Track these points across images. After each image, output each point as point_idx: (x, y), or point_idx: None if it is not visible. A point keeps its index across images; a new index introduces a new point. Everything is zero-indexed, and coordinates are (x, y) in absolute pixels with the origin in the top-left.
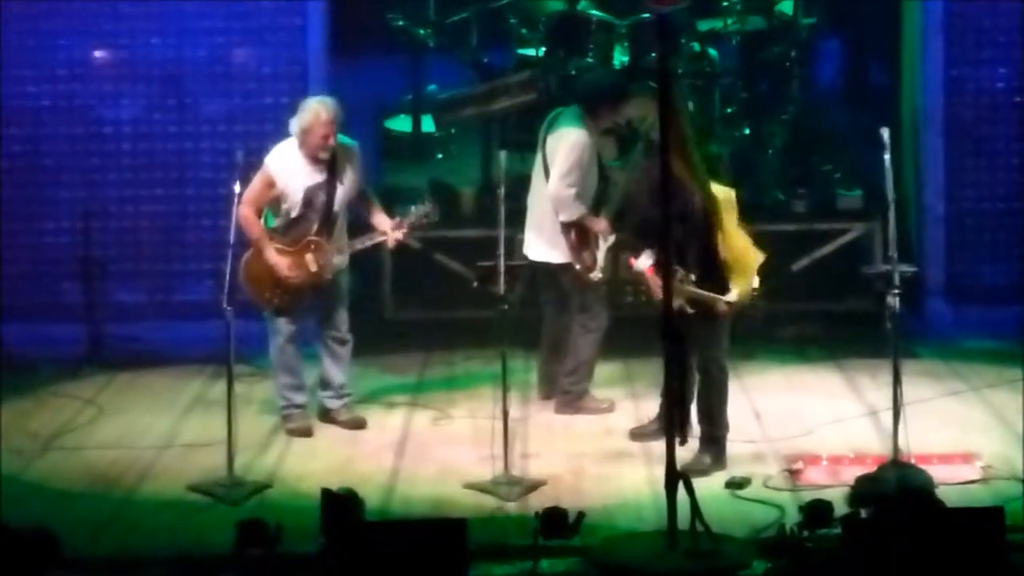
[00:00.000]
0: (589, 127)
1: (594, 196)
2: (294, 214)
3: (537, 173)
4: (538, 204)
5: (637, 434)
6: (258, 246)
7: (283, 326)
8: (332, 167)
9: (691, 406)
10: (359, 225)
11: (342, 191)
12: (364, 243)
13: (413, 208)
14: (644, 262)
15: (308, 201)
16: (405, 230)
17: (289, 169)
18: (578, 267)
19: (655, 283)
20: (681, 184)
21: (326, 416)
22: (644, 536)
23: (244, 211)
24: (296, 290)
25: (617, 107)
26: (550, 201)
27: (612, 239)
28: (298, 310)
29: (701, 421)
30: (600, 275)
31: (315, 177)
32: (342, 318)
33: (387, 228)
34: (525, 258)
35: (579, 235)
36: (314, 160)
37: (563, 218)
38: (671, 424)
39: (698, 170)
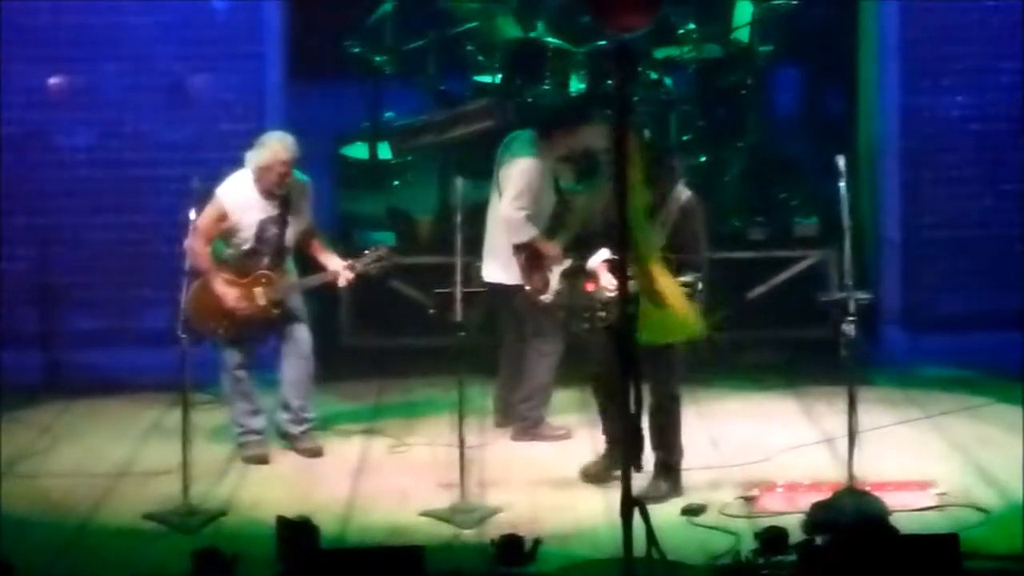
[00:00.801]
0: (543, 152)
1: (550, 221)
2: (246, 247)
3: (492, 197)
4: (492, 227)
5: (586, 474)
6: (206, 278)
7: (233, 355)
8: (285, 201)
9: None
10: (307, 263)
11: (293, 225)
12: (314, 282)
13: (367, 251)
14: (595, 260)
15: (260, 235)
16: (357, 272)
17: (242, 202)
18: (528, 288)
19: (605, 279)
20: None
21: (285, 438)
22: (600, 564)
23: (194, 243)
24: (244, 322)
25: (573, 133)
26: (501, 223)
27: (566, 264)
28: (247, 338)
29: (656, 448)
30: (550, 298)
31: (268, 211)
32: (303, 336)
33: (338, 268)
34: (482, 283)
35: (530, 258)
36: (268, 194)
37: (513, 240)
38: (627, 451)
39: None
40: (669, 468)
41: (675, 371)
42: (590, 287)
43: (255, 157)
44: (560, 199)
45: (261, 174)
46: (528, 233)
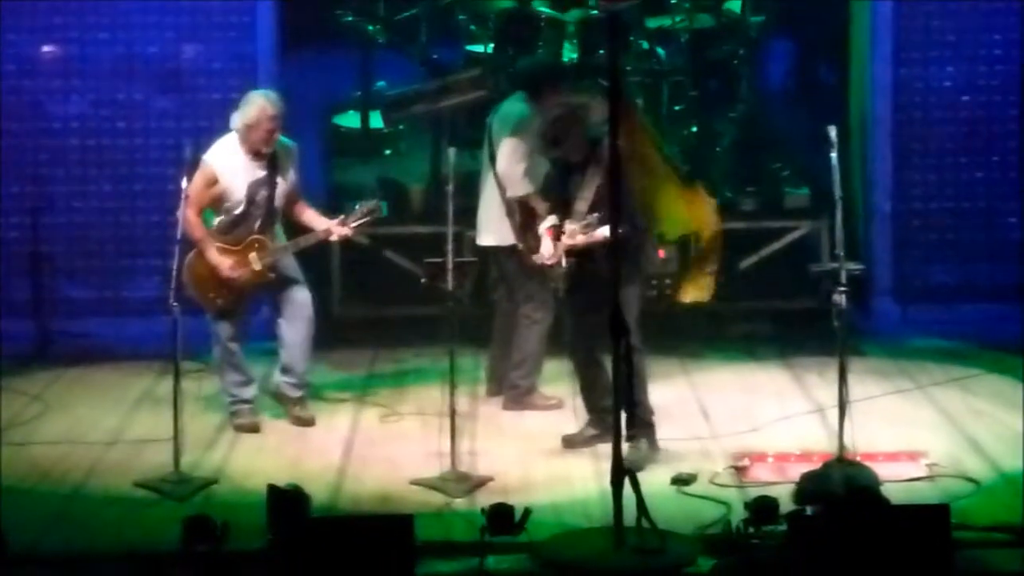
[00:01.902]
0: (534, 108)
1: (543, 182)
2: (237, 211)
3: (485, 159)
4: (486, 190)
5: (570, 442)
6: (201, 247)
7: (225, 328)
8: (272, 164)
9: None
10: (295, 228)
11: (282, 188)
12: (308, 240)
13: (358, 205)
14: (545, 224)
15: (251, 197)
16: (351, 226)
17: (231, 166)
18: (520, 247)
19: (548, 244)
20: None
21: (281, 399)
22: (591, 533)
23: (187, 212)
24: (240, 289)
25: (558, 88)
26: (499, 181)
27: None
28: (240, 310)
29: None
30: (544, 258)
31: (256, 173)
32: (303, 298)
33: (328, 225)
34: (476, 249)
35: (524, 216)
36: (255, 155)
37: (511, 194)
38: (617, 420)
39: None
40: (645, 425)
41: (633, 322)
42: (546, 261)
43: (241, 115)
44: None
45: (248, 132)
46: (526, 188)
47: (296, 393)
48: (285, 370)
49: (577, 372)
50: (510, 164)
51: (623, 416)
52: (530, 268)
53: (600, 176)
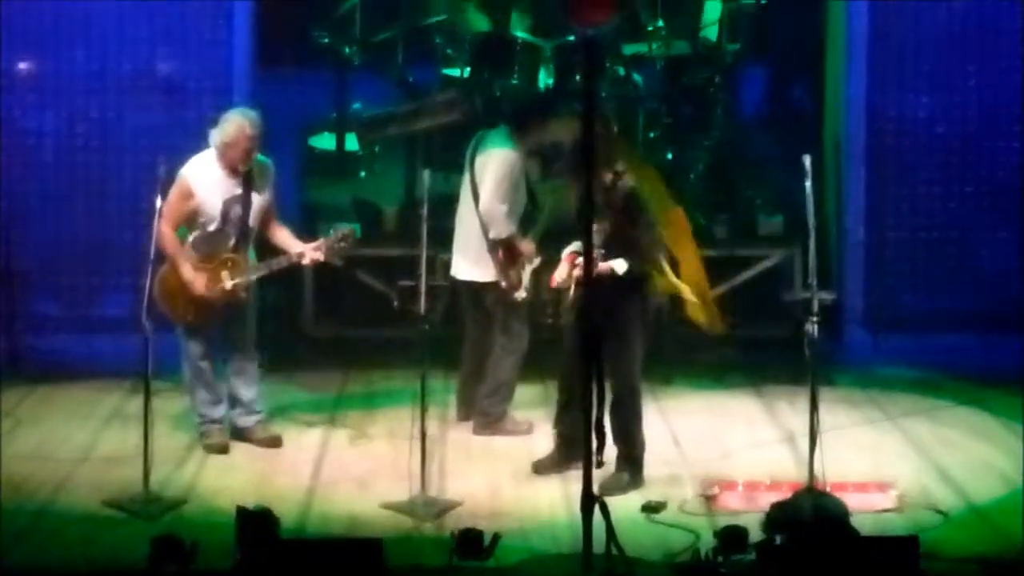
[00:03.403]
0: (518, 146)
1: (521, 217)
2: (212, 228)
3: (465, 193)
4: (464, 224)
5: (539, 467)
6: (174, 262)
7: (196, 345)
8: (248, 181)
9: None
10: (267, 248)
11: (257, 205)
12: (281, 263)
13: (332, 230)
14: (568, 249)
15: (225, 214)
16: (322, 252)
17: (207, 181)
18: (503, 284)
19: (568, 266)
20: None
21: (239, 435)
22: (559, 559)
23: (162, 227)
24: (210, 306)
25: (545, 125)
26: (481, 219)
27: (536, 261)
28: (210, 327)
29: (617, 441)
30: (524, 295)
31: (232, 189)
32: (250, 336)
33: (303, 249)
34: (449, 278)
35: (507, 253)
36: (232, 172)
37: (494, 235)
38: (588, 446)
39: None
40: (631, 460)
41: (635, 363)
42: (554, 283)
43: (220, 133)
44: (531, 196)
45: (226, 150)
46: (508, 228)
47: (249, 421)
48: (233, 403)
49: (561, 395)
50: (493, 204)
51: (594, 441)
52: (509, 303)
53: (615, 210)
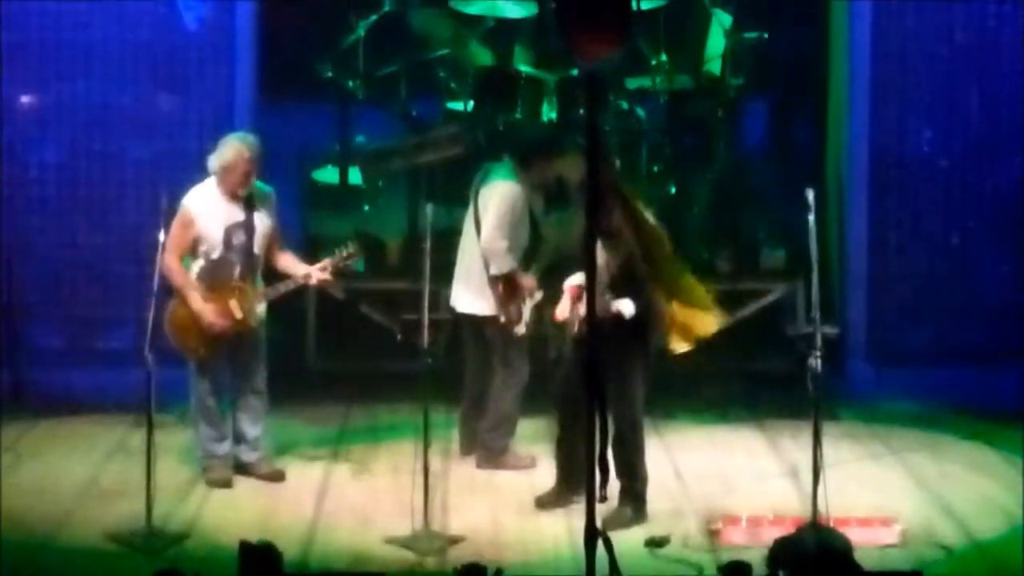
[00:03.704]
0: (522, 180)
1: (525, 250)
2: (215, 255)
3: (467, 225)
4: (466, 256)
5: (542, 502)
6: (183, 294)
7: (206, 382)
8: (250, 207)
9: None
10: (275, 278)
11: (260, 231)
12: (288, 286)
13: (336, 250)
14: (570, 282)
15: (227, 240)
16: (328, 272)
17: (207, 208)
18: (503, 319)
19: (570, 300)
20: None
21: (242, 470)
22: None
23: (168, 259)
24: (221, 337)
25: (550, 161)
26: (482, 253)
27: (539, 296)
28: (221, 362)
29: (620, 476)
30: (524, 330)
31: (234, 216)
32: (260, 371)
33: (308, 270)
34: (451, 311)
35: (507, 288)
36: (233, 198)
37: (494, 271)
38: (591, 480)
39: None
40: (634, 495)
41: (637, 398)
42: (557, 317)
43: (218, 158)
44: (534, 230)
45: (225, 175)
46: (509, 264)
47: (253, 456)
48: (237, 439)
49: (561, 430)
50: (494, 240)
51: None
52: (510, 337)
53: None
